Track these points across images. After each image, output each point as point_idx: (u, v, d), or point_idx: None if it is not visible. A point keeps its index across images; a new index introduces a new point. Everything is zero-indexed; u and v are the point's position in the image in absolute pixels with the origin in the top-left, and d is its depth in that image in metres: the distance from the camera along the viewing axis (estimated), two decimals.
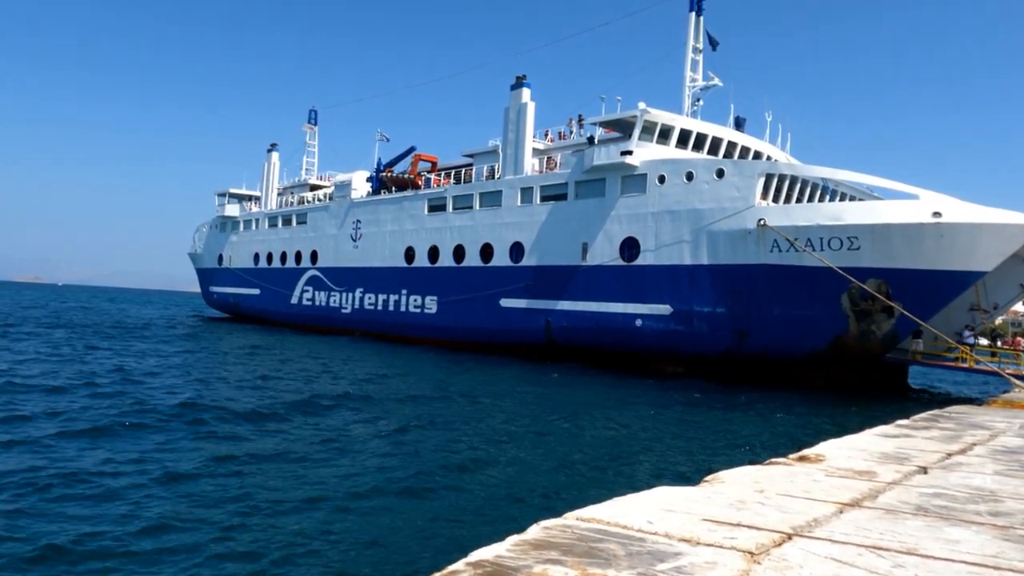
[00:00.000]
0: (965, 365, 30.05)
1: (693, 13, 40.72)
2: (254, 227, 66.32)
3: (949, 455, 7.87)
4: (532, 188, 41.06)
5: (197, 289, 79.20)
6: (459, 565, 3.19)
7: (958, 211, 28.45)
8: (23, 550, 8.35)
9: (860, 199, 35.58)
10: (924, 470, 6.79)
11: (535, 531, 3.78)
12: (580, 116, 45.31)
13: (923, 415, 12.17)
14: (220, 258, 70.84)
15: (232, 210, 69.49)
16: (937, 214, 28.20)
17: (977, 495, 5.63)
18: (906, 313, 28.57)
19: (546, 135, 45.91)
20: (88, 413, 16.86)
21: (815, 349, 31.24)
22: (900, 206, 29.53)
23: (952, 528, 4.45)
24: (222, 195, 72.39)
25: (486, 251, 43.27)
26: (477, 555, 3.33)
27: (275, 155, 68.34)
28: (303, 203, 61.94)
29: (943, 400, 28.73)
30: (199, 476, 12.03)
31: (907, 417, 11.54)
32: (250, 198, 71.32)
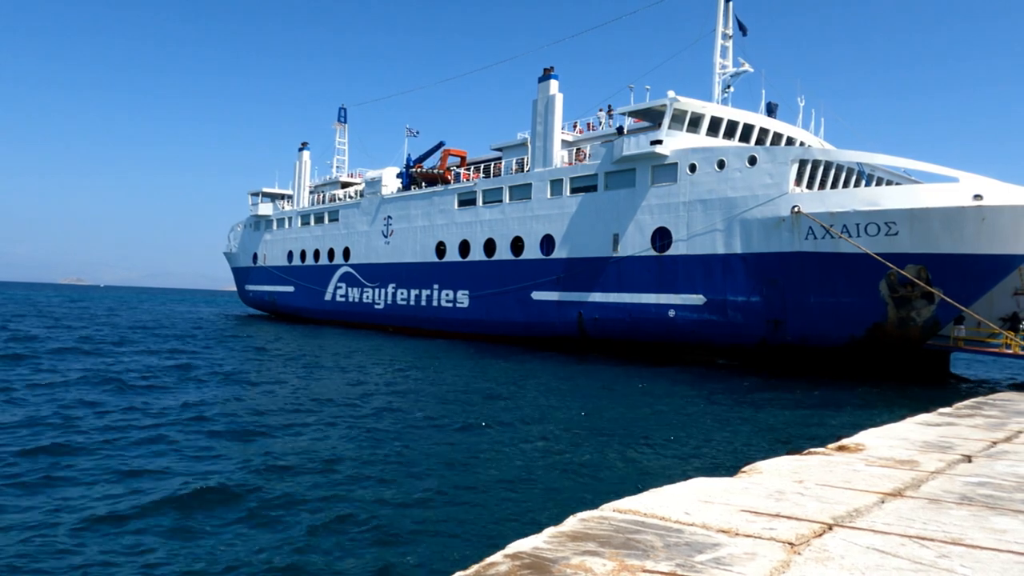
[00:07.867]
0: (1011, 352, 29.32)
1: None
2: (287, 225, 67.20)
3: (994, 443, 7.71)
4: (562, 180, 40.95)
5: (234, 288, 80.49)
6: (497, 557, 3.22)
7: (1001, 193, 27.72)
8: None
9: (897, 183, 34.83)
10: (968, 459, 6.66)
11: (572, 523, 3.78)
12: (609, 106, 45.09)
13: (966, 403, 11.91)
14: (255, 257, 71.93)
15: (265, 209, 70.50)
16: (978, 197, 27.51)
17: None
18: (947, 299, 27.95)
19: (575, 126, 45.73)
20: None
21: (853, 337, 30.73)
22: (939, 189, 28.85)
23: (999, 518, 4.36)
24: (255, 194, 73.47)
25: (517, 244, 43.30)
26: (515, 547, 3.35)
27: (306, 154, 69.21)
28: (335, 201, 62.60)
29: (987, 388, 28.06)
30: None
31: (949, 405, 11.31)
32: (283, 197, 72.29)
